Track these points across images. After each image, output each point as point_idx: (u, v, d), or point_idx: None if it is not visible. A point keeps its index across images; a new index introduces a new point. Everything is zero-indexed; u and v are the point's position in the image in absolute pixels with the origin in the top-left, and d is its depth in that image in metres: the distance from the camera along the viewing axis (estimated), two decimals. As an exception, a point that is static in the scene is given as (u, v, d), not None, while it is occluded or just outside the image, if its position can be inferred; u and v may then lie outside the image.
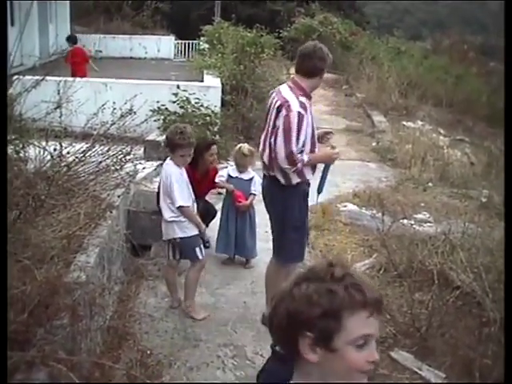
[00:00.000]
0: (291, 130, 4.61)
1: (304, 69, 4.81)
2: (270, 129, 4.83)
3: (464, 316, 5.33)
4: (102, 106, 6.39)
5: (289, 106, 4.65)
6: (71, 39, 15.63)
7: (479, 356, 4.72)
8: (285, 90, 4.83)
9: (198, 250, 5.26)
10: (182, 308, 5.39)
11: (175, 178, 5.11)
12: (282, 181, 4.86)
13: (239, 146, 6.55)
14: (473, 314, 5.31)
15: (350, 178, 10.08)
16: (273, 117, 4.79)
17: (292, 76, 5.07)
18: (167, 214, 5.16)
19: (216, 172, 6.76)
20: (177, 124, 5.74)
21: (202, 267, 5.42)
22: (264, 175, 5.12)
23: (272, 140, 4.76)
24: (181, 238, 5.19)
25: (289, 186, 4.87)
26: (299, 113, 4.63)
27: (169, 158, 5.23)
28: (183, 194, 5.15)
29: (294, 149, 4.62)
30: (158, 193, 5.41)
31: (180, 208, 5.09)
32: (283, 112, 4.66)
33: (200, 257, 5.29)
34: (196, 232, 5.27)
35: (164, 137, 5.49)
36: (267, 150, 4.88)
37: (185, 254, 5.37)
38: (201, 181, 6.42)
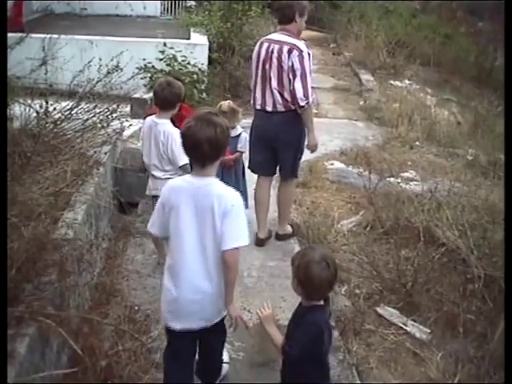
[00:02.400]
0: (306, 68, 5.55)
1: (287, 17, 5.74)
2: (284, 69, 5.61)
3: (449, 272, 5.41)
4: (88, 63, 6.32)
5: (299, 47, 5.56)
6: None
7: (463, 311, 4.81)
8: (284, 37, 5.69)
9: None
10: None
11: (176, 136, 5.02)
12: (300, 111, 5.69)
13: (220, 103, 6.49)
14: (457, 271, 5.39)
15: (337, 136, 10.03)
16: (284, 59, 5.58)
17: (278, 27, 5.94)
18: (161, 173, 5.17)
19: (188, 110, 6.68)
20: (165, 78, 5.63)
21: None
22: (276, 112, 5.81)
23: (291, 77, 5.58)
24: None
25: (300, 116, 5.75)
26: (309, 53, 5.61)
27: (159, 116, 5.19)
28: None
29: (310, 84, 5.58)
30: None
31: (183, 166, 5.11)
32: (295, 53, 5.54)
33: None
34: None
35: (152, 93, 5.44)
36: (286, 88, 5.66)
37: None
38: (177, 124, 6.37)
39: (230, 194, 3.39)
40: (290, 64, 5.54)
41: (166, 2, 26.50)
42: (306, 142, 5.99)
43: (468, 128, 11.41)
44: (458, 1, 22.55)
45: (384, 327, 4.89)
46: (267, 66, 5.73)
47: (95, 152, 5.54)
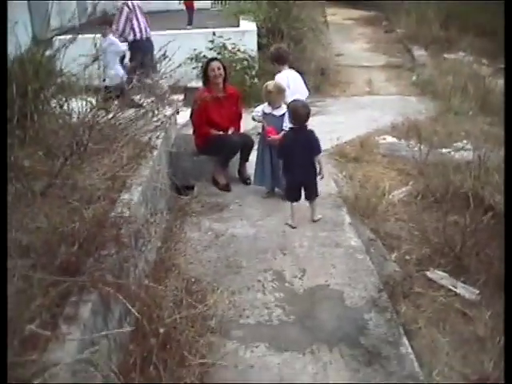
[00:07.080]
0: None
1: None
2: None
3: (497, 235, 5.43)
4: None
5: None
6: None
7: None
8: None
9: None
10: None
11: None
12: None
13: (266, 83, 6.69)
14: (506, 233, 5.40)
15: (389, 111, 10.09)
16: None
17: None
18: None
19: (237, 94, 7.05)
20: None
21: None
22: None
23: None
24: None
25: None
26: None
27: None
28: None
29: None
30: None
31: None
32: None
33: None
34: None
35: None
36: None
37: None
38: (224, 105, 6.83)
39: None
40: None
41: (216, -6, 26.78)
42: None
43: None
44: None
45: (433, 290, 4.97)
46: None
47: (149, 138, 5.79)
